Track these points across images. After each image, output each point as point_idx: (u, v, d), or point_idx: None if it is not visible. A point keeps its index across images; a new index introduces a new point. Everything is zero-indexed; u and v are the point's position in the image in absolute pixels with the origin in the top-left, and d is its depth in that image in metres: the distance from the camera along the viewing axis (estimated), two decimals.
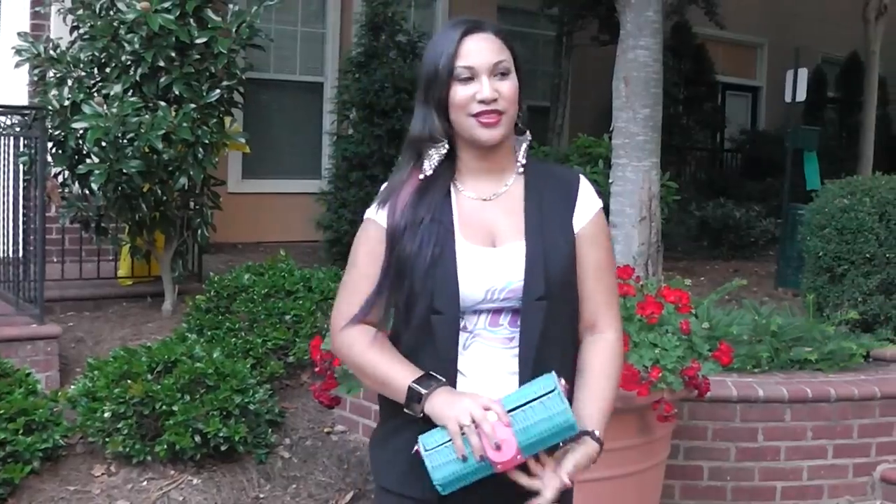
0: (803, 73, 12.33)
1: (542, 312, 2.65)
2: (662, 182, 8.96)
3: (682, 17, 16.38)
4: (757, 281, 11.10)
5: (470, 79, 2.68)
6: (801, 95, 12.36)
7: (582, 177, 2.88)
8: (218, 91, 7.73)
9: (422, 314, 2.66)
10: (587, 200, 2.82)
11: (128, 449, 5.97)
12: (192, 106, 7.51)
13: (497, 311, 2.69)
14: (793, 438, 6.26)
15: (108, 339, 7.62)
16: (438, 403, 2.56)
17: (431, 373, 2.64)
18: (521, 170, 2.79)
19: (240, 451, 6.19)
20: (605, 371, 2.77)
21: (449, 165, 2.77)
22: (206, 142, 7.65)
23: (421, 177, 2.74)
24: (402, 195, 2.74)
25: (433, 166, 2.73)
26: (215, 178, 8.45)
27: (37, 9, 9.03)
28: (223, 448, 6.06)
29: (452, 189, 2.77)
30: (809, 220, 8.46)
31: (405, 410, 2.63)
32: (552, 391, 2.50)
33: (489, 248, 2.71)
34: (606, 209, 8.36)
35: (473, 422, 2.49)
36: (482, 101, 2.66)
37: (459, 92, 2.68)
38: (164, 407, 5.93)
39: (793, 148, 12.09)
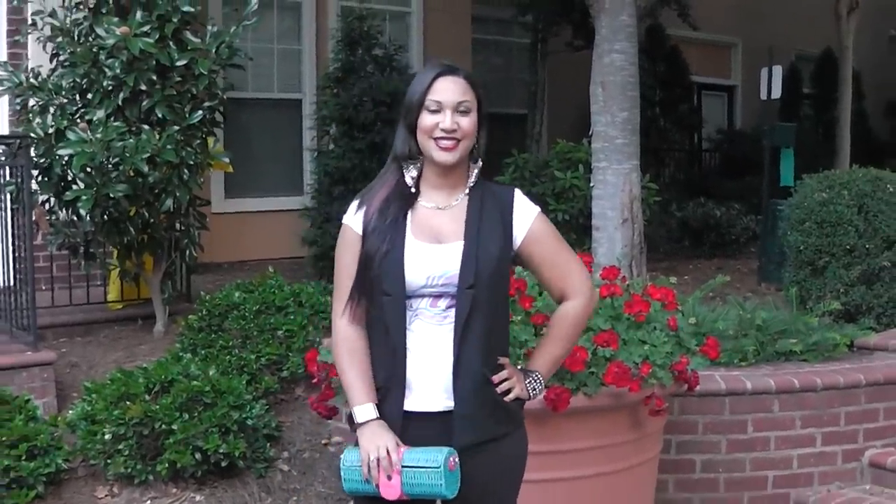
0: (778, 71, 12.56)
1: (469, 298, 3.39)
2: (643, 184, 9.17)
3: (655, 19, 16.59)
4: (740, 278, 11.27)
5: (437, 111, 3.43)
6: (777, 93, 12.61)
7: (517, 192, 3.61)
8: (200, 112, 7.84)
9: (377, 296, 3.44)
10: (523, 211, 3.56)
11: (129, 469, 6.12)
12: (176, 128, 7.62)
13: (437, 296, 3.43)
14: (782, 428, 6.45)
15: (101, 363, 7.73)
16: (364, 434, 3.38)
17: (374, 404, 3.42)
18: (467, 192, 3.55)
19: (240, 467, 6.36)
20: (558, 333, 3.65)
21: (416, 181, 3.54)
22: (191, 163, 7.78)
23: (387, 193, 3.53)
24: (374, 202, 3.52)
25: (413, 177, 3.52)
26: (200, 199, 8.59)
27: (15, 38, 9.15)
28: (223, 464, 6.22)
29: (413, 200, 3.53)
30: (789, 215, 8.68)
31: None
32: (436, 469, 3.29)
33: (434, 244, 3.46)
34: (589, 212, 8.56)
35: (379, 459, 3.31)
36: (444, 130, 3.42)
37: (427, 119, 3.44)
38: (163, 426, 6.09)
39: (770, 145, 12.31)
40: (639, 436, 5.10)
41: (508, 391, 3.48)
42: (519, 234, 3.54)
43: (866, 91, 21.08)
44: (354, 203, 3.59)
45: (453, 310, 3.42)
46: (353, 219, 3.54)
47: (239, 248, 11.90)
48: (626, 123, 8.32)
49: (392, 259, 3.43)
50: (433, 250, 3.46)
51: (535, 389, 3.60)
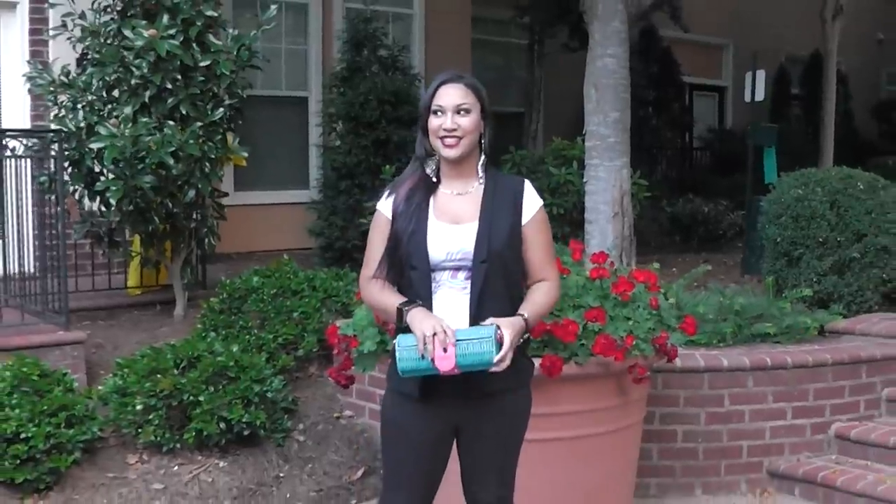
0: (761, 75, 13.03)
1: (483, 270, 3.96)
2: (633, 180, 9.50)
3: (648, 22, 16.89)
4: (725, 270, 11.71)
5: (441, 113, 4.01)
6: (760, 95, 13.08)
7: (526, 182, 4.17)
8: (222, 109, 8.38)
9: (405, 270, 4.03)
10: (531, 201, 4.12)
11: (158, 438, 6.61)
12: (199, 124, 8.15)
13: (457, 269, 4.00)
14: (755, 402, 6.98)
15: (125, 344, 8.16)
16: (414, 318, 3.88)
17: (416, 300, 3.96)
18: (482, 178, 4.11)
19: (260, 436, 6.88)
20: (538, 297, 4.10)
21: (435, 173, 4.14)
22: (213, 156, 8.31)
23: (413, 182, 4.12)
24: (402, 191, 4.11)
25: (433, 171, 4.13)
26: (219, 191, 9.12)
27: (36, 37, 9.57)
28: (245, 433, 6.74)
29: (435, 188, 4.12)
30: (768, 209, 9.21)
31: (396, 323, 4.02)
32: (488, 338, 3.76)
33: (453, 225, 4.03)
34: (582, 207, 8.99)
35: (434, 335, 3.75)
36: (445, 129, 3.99)
37: (433, 122, 4.04)
38: (190, 398, 6.61)
39: (753, 144, 12.80)
40: (624, 401, 5.67)
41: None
42: (525, 217, 4.08)
43: (853, 93, 21.41)
44: (386, 192, 4.16)
45: (469, 281, 3.97)
46: (384, 204, 4.12)
47: (248, 239, 12.18)
48: (617, 123, 8.70)
49: (417, 238, 3.99)
50: (452, 230, 4.01)
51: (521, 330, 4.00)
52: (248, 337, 7.63)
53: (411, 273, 4.02)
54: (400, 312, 3.95)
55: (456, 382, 3.91)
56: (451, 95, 4.02)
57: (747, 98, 13.14)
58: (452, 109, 4.00)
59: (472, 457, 4.18)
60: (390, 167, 10.01)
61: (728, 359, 6.94)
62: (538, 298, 4.09)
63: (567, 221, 10.23)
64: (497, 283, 4.00)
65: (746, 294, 7.99)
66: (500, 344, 3.79)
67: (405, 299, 3.99)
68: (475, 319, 3.94)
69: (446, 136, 4.01)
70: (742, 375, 6.93)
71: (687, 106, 19.98)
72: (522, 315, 3.98)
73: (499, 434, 4.13)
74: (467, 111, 4.03)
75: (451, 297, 3.99)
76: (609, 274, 5.73)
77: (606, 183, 8.73)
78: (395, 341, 3.93)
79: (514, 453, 4.23)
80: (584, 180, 8.97)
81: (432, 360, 3.76)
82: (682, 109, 19.28)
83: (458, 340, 3.77)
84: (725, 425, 6.92)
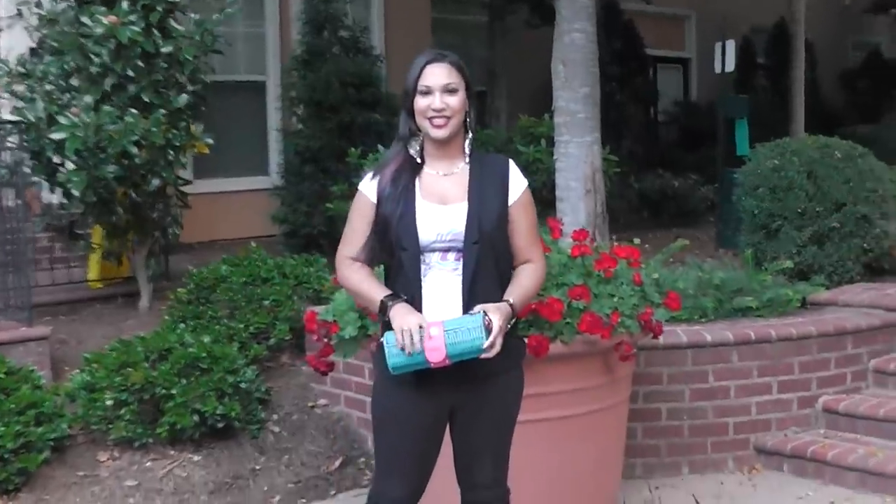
0: (731, 44, 13.09)
1: (476, 251, 3.99)
2: (604, 156, 9.34)
3: None
4: (699, 245, 11.73)
5: (428, 93, 4.03)
6: (731, 66, 13.15)
7: (511, 162, 4.20)
8: (185, 96, 8.34)
9: (396, 251, 4.03)
10: (516, 181, 4.17)
11: (130, 433, 6.57)
12: (162, 112, 8.10)
13: (446, 250, 4.01)
14: (740, 378, 6.99)
15: (90, 338, 8.12)
16: (396, 314, 3.90)
17: (399, 294, 3.98)
18: (468, 159, 4.13)
19: (235, 428, 6.85)
20: (524, 280, 4.15)
21: (419, 153, 4.15)
22: (177, 144, 8.26)
23: (398, 164, 4.12)
24: (387, 172, 4.10)
25: (417, 151, 4.13)
26: (182, 179, 9.07)
27: None
28: (220, 426, 6.70)
29: (420, 169, 4.13)
30: (744, 181, 9.22)
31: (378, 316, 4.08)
32: (476, 326, 3.80)
33: (441, 205, 4.04)
34: (552, 185, 8.97)
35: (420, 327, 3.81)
36: (434, 109, 4.01)
37: (420, 102, 4.04)
38: (163, 391, 6.56)
39: (724, 116, 12.85)
40: (611, 379, 5.66)
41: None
42: (512, 198, 4.12)
43: (819, 60, 21.39)
44: (369, 174, 4.17)
45: (461, 262, 4.00)
46: (368, 186, 4.13)
47: (209, 229, 12.08)
48: (587, 98, 8.59)
49: (406, 220, 4.00)
50: (440, 210, 4.03)
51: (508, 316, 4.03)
52: (218, 327, 7.57)
53: (402, 254, 4.03)
54: (384, 306, 3.98)
55: (449, 368, 3.92)
56: (437, 75, 4.05)
57: (717, 69, 13.22)
58: (440, 89, 4.03)
59: (467, 439, 4.20)
60: (356, 150, 9.97)
61: (711, 334, 6.96)
62: (525, 281, 4.14)
63: (538, 200, 9.59)
64: (488, 264, 4.04)
65: (725, 268, 8.06)
66: (488, 330, 3.83)
67: (388, 292, 4.02)
68: (468, 301, 3.98)
69: (435, 117, 4.03)
70: (726, 350, 6.95)
71: (651, 79, 19.99)
72: (508, 301, 4.03)
73: (493, 415, 4.17)
74: (454, 90, 4.05)
75: (442, 278, 4.03)
76: (591, 251, 5.71)
77: (577, 160, 8.62)
78: (383, 339, 3.95)
79: (508, 434, 4.26)
80: (555, 157, 8.86)
81: (422, 353, 3.80)
82: (647, 83, 19.28)
83: (446, 330, 3.81)
84: (710, 402, 6.93)
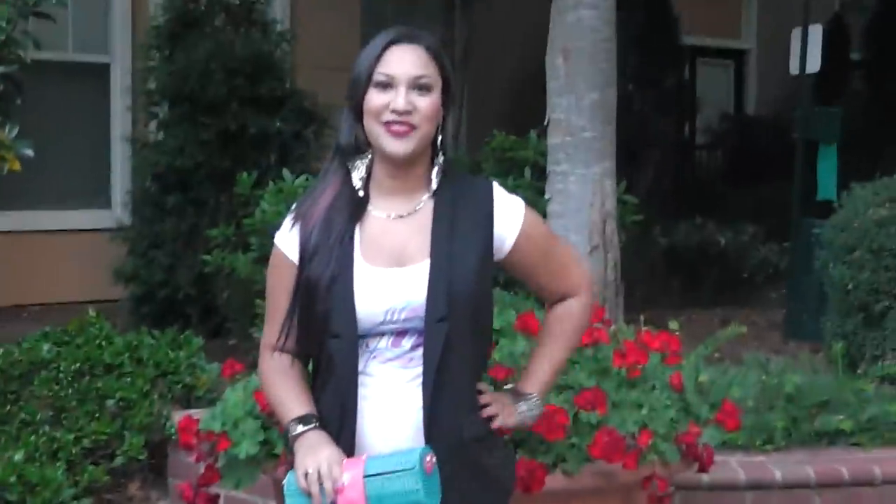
0: (816, 32, 12.95)
1: (443, 333, 3.82)
2: (619, 196, 9.48)
3: None
4: (758, 333, 11.83)
5: (388, 86, 3.87)
6: (815, 65, 12.99)
7: (494, 184, 4.08)
8: None
9: (321, 339, 3.89)
10: (508, 209, 4.03)
11: None
12: None
13: (401, 333, 3.88)
14: None
15: None
16: (300, 449, 3.80)
17: (313, 414, 3.90)
18: (433, 191, 3.97)
19: None
20: (561, 335, 4.21)
21: (364, 183, 3.98)
22: None
23: (332, 197, 3.97)
24: (315, 212, 3.96)
25: (362, 177, 3.95)
26: None
27: None
28: None
29: (364, 207, 3.96)
30: (831, 239, 9.29)
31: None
32: (410, 469, 3.65)
33: (392, 268, 3.89)
34: None
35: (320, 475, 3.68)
36: (395, 111, 3.84)
37: (374, 98, 3.87)
38: None
39: (802, 139, 12.79)
40: None
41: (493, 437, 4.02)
42: (508, 238, 3.99)
43: None
44: (289, 217, 4.03)
45: (421, 349, 3.85)
46: (287, 238, 3.99)
47: (17, 287, 12.12)
48: (597, 109, 8.73)
49: (339, 290, 3.85)
50: (391, 276, 3.87)
51: (530, 413, 4.15)
52: (34, 438, 7.55)
53: (331, 343, 3.89)
54: (285, 436, 3.95)
55: None
56: (405, 62, 3.89)
57: (793, 69, 13.19)
58: (407, 83, 3.86)
59: None
60: (248, 175, 9.92)
61: (781, 469, 7.00)
62: (561, 335, 4.23)
63: None
64: (463, 352, 3.91)
65: (801, 369, 8.07)
66: (427, 475, 3.68)
67: (304, 412, 3.92)
68: (431, 413, 3.85)
69: (395, 122, 3.85)
70: (805, 495, 6.98)
71: (688, 81, 20.01)
72: (527, 395, 4.13)
73: None
74: (427, 88, 3.89)
75: (390, 377, 3.89)
76: (608, 338, 5.76)
77: (581, 201, 8.77)
78: (283, 482, 3.87)
79: None
80: (547, 196, 8.99)
81: None
82: (680, 86, 19.15)
83: (368, 477, 3.68)
84: None
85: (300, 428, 3.86)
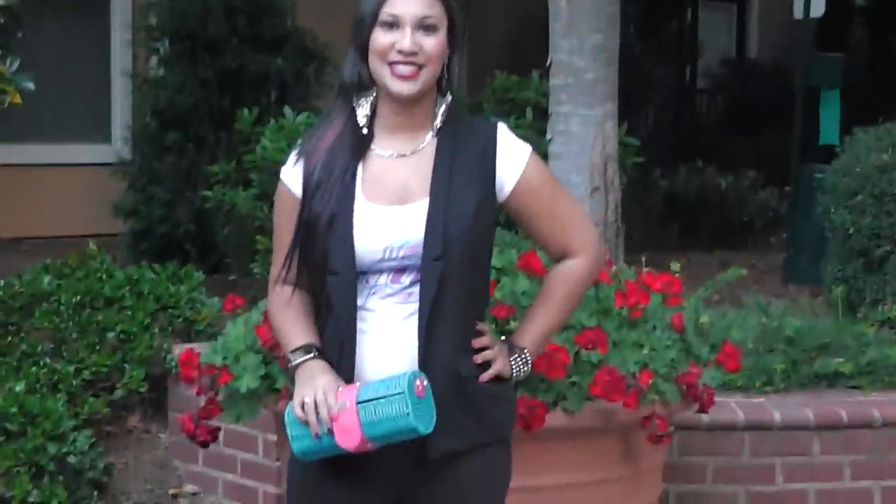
0: None
1: (438, 271, 3.85)
2: (620, 138, 9.44)
3: None
4: (757, 277, 11.83)
5: (394, 26, 3.87)
6: (819, 9, 12.94)
7: (501, 127, 4.07)
8: None
9: (321, 275, 3.95)
10: (511, 152, 4.03)
11: None
12: None
13: (400, 270, 3.91)
14: (825, 479, 6.99)
15: None
16: (299, 378, 3.90)
17: (313, 344, 3.98)
18: (436, 130, 3.99)
19: None
20: (555, 296, 4.17)
21: (368, 121, 4.01)
22: None
23: (336, 135, 4.01)
24: (320, 148, 4.00)
25: (367, 115, 3.98)
26: None
27: None
28: None
29: (367, 145, 4.00)
30: (833, 184, 9.27)
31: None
32: (398, 394, 3.69)
33: (394, 206, 3.93)
34: None
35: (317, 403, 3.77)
36: (400, 52, 3.85)
37: (380, 38, 3.89)
38: None
39: (804, 84, 12.80)
40: (633, 471, 5.68)
41: (486, 368, 3.98)
42: (507, 182, 3.99)
43: None
44: (293, 153, 4.08)
45: (419, 288, 3.89)
46: (291, 173, 4.04)
47: (17, 220, 12.11)
48: (599, 50, 8.70)
49: (338, 228, 3.89)
50: (391, 214, 3.91)
51: (519, 369, 4.10)
52: (35, 369, 7.57)
53: (329, 280, 3.94)
54: (286, 366, 4.05)
55: (402, 446, 3.85)
56: (411, 2, 3.89)
57: (797, 13, 13.11)
58: (413, 23, 3.87)
59: None
60: (248, 113, 9.95)
61: (781, 410, 6.99)
62: (555, 298, 4.17)
63: None
64: (458, 291, 3.94)
65: (802, 313, 8.07)
66: (419, 398, 3.72)
67: (308, 340, 4.00)
68: (426, 347, 3.88)
69: (400, 63, 3.87)
70: (804, 437, 6.97)
71: (689, 25, 20.13)
72: (520, 347, 4.11)
73: None
74: (433, 28, 3.91)
75: (390, 312, 3.93)
76: (609, 278, 5.76)
77: (582, 142, 8.77)
78: (285, 412, 3.93)
79: None
80: (548, 137, 8.99)
81: (331, 434, 3.75)
82: (681, 30, 19.32)
83: (361, 403, 3.73)
84: None
85: (300, 357, 3.95)
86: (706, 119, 19.95)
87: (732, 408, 6.95)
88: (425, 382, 3.75)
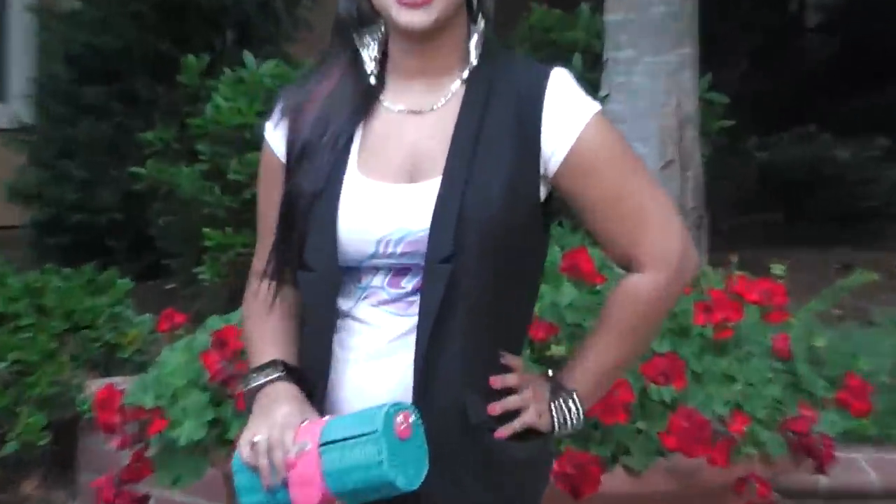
0: None
1: (446, 277, 3.61)
2: (702, 94, 9.47)
3: None
4: (891, 284, 11.66)
5: None
6: None
7: (556, 73, 3.73)
8: None
9: (293, 271, 3.86)
10: (564, 110, 3.69)
11: None
12: None
13: (401, 271, 3.71)
14: None
15: None
16: (254, 409, 3.76)
17: (281, 360, 3.83)
18: (466, 75, 3.77)
19: None
20: (618, 326, 3.86)
21: (377, 65, 3.82)
22: None
23: (333, 85, 3.85)
24: (310, 106, 3.84)
25: (375, 58, 3.78)
26: None
27: None
28: None
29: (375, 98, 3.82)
30: None
31: None
32: (372, 433, 3.45)
33: (399, 184, 3.73)
34: None
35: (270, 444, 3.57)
36: None
37: None
38: None
39: None
40: None
41: (509, 417, 3.75)
42: (556, 154, 3.68)
43: None
44: (277, 107, 3.92)
45: (420, 298, 3.67)
46: (274, 134, 3.89)
47: None
48: None
49: (320, 211, 3.75)
50: (392, 194, 3.72)
51: (566, 417, 3.85)
52: None
53: (304, 278, 3.82)
54: (243, 389, 3.92)
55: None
56: None
57: None
58: None
59: None
60: (197, 60, 9.89)
61: None
62: (617, 325, 3.85)
63: None
64: (478, 300, 3.70)
65: None
66: (400, 440, 3.48)
67: (273, 357, 3.85)
68: (424, 376, 3.68)
69: None
70: None
71: None
72: (568, 390, 3.85)
73: None
74: None
75: (385, 326, 3.76)
76: (689, 286, 5.70)
77: (650, 100, 8.79)
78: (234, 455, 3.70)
79: None
80: (603, 93, 8.96)
81: (284, 486, 3.54)
82: None
83: (324, 444, 3.52)
84: None
85: (257, 379, 3.79)
86: (819, 68, 19.66)
87: (862, 466, 6.92)
88: (412, 419, 3.52)
